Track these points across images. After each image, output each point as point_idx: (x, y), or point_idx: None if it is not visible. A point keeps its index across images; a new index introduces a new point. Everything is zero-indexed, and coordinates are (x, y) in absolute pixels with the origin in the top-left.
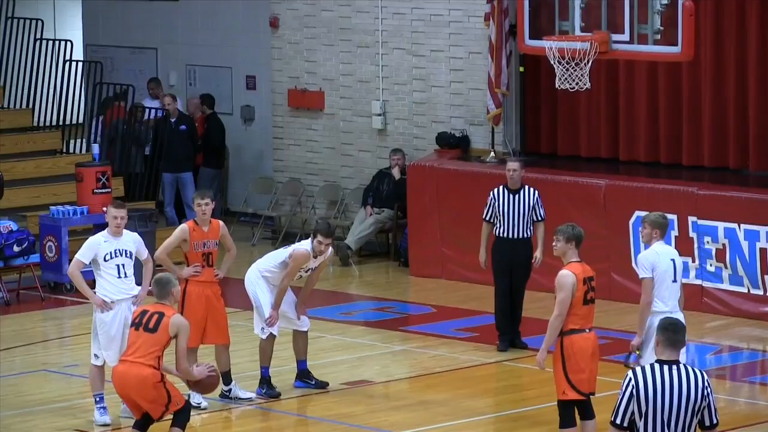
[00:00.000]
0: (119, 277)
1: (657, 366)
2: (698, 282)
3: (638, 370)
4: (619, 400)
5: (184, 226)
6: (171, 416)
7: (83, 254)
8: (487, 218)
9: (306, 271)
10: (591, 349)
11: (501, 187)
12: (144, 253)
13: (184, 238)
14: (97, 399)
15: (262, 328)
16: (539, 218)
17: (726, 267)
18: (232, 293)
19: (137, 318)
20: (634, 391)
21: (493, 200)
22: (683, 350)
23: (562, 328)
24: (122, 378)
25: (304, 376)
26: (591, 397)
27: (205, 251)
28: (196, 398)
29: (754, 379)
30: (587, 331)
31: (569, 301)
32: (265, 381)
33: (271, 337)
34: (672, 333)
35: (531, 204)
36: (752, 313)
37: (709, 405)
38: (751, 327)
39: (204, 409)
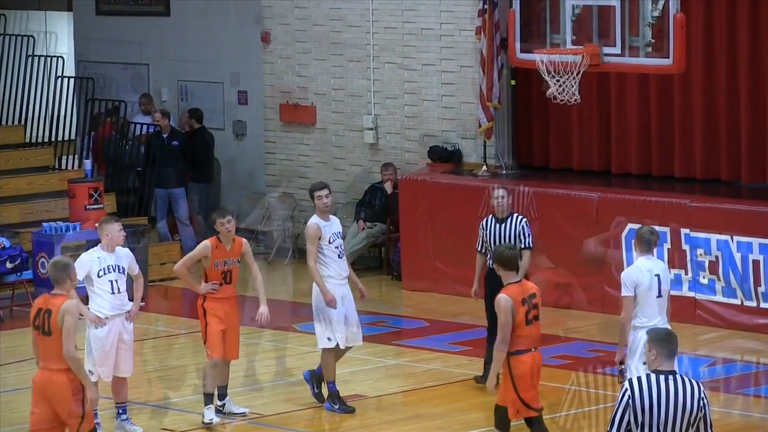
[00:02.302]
0: (113, 292)
1: (653, 376)
2: (691, 294)
3: (634, 380)
4: (615, 410)
5: (207, 243)
6: None
7: (77, 270)
8: (480, 250)
9: (335, 244)
10: (536, 367)
11: (489, 217)
12: (135, 269)
13: (205, 255)
14: None
15: (329, 338)
16: (525, 246)
17: (719, 279)
18: None
19: (36, 320)
20: (631, 401)
21: (482, 231)
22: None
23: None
24: (41, 385)
25: (332, 397)
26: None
27: (225, 269)
28: (208, 415)
29: (748, 391)
30: (533, 350)
31: (510, 325)
32: (336, 396)
33: (335, 349)
34: (665, 343)
35: (516, 232)
36: (746, 325)
37: (705, 416)
38: (744, 339)
39: (209, 423)
